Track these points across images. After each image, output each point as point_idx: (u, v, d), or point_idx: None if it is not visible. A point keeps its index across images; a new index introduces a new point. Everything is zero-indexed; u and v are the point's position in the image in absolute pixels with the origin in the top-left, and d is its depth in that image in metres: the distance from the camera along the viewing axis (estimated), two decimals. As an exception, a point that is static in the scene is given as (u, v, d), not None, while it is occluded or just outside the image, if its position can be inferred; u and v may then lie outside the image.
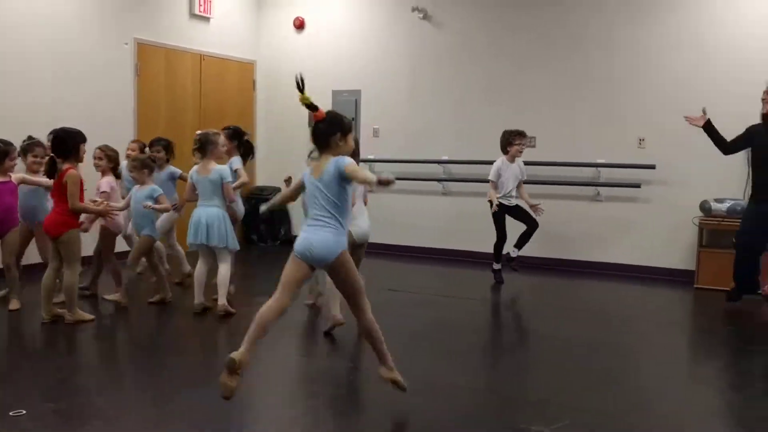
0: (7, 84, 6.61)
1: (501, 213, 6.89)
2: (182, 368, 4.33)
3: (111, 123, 7.43)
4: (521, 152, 6.92)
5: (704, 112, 6.01)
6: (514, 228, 6.99)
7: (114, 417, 3.51)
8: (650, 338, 5.30)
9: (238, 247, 5.65)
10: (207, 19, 8.78)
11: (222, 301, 5.36)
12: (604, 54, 7.64)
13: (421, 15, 8.48)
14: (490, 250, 7.12)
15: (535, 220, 6.96)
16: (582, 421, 3.57)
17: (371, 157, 8.89)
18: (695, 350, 5.35)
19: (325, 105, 9.42)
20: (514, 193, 6.95)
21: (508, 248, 7.02)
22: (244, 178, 6.00)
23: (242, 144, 6.13)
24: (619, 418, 3.64)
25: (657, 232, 7.47)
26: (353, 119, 9.08)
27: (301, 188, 3.80)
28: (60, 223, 5.08)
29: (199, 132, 5.75)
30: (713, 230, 6.98)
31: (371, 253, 8.31)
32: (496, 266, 7.08)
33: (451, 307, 6.23)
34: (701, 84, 7.18)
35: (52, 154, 5.09)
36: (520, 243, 6.97)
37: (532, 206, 6.99)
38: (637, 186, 7.49)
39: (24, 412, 3.48)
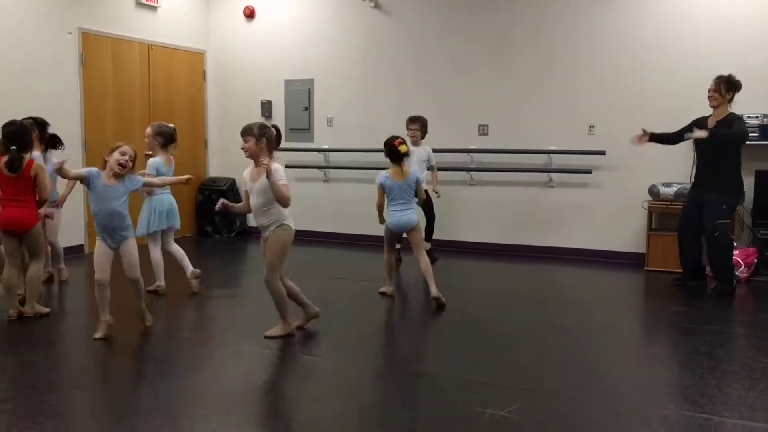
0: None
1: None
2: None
3: (56, 116, 7.18)
4: (414, 137, 7.05)
5: (644, 131, 6.30)
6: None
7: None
8: (602, 320, 5.40)
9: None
10: (154, 7, 8.59)
11: None
12: (555, 43, 7.72)
13: (372, 4, 8.45)
14: (437, 236, 7.17)
15: (433, 213, 7.24)
16: (535, 402, 3.63)
17: (326, 146, 8.86)
18: (645, 330, 5.48)
19: (278, 94, 9.45)
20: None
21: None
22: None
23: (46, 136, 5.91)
24: (572, 399, 3.71)
25: (608, 216, 7.61)
26: (306, 108, 9.02)
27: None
28: (33, 216, 5.10)
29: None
30: (662, 213, 7.14)
31: (314, 242, 8.29)
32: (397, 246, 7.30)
33: (400, 294, 6.27)
34: (647, 72, 7.32)
35: (13, 147, 4.94)
36: (427, 235, 7.17)
37: (434, 191, 7.20)
38: (588, 172, 7.61)
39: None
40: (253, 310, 5.60)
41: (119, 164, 4.60)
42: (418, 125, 7.15)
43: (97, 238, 4.68)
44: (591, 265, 7.44)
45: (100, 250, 4.63)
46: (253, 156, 4.65)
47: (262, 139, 4.67)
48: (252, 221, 9.29)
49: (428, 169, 7.18)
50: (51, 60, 7.37)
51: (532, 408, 3.56)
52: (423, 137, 7.19)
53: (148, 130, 5.98)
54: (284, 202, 4.58)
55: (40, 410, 3.50)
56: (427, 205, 7.11)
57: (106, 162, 4.67)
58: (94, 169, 4.64)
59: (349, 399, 3.81)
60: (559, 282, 6.85)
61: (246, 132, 4.73)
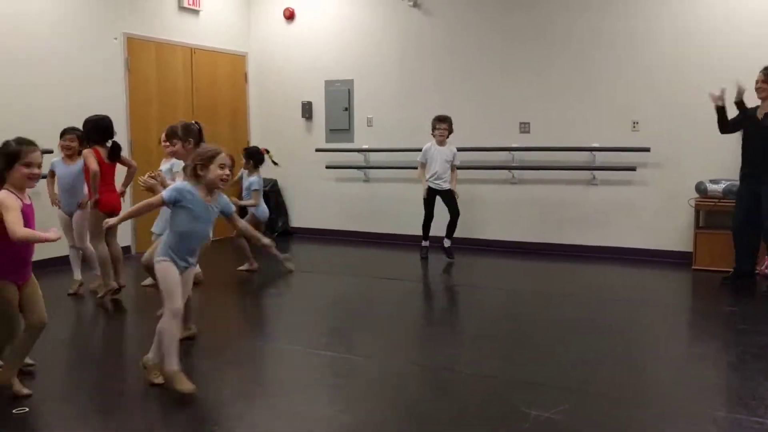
0: (-4, 82, 6.55)
1: (431, 197, 7.29)
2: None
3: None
4: (443, 137, 7.22)
5: (722, 93, 6.05)
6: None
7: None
8: (648, 319, 5.30)
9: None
10: (196, 11, 8.72)
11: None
12: (598, 36, 7.59)
13: (411, 3, 8.43)
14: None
15: (457, 210, 7.29)
16: (581, 403, 3.58)
17: (366, 146, 8.88)
18: (693, 330, 5.35)
19: (318, 95, 9.52)
20: (444, 177, 7.23)
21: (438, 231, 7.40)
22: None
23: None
24: (619, 400, 3.64)
25: (653, 214, 7.46)
26: (346, 109, 9.06)
27: None
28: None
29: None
30: (710, 211, 6.97)
31: (354, 242, 8.29)
32: (424, 243, 7.49)
33: (444, 293, 6.25)
34: (693, 65, 7.16)
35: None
36: (449, 233, 7.36)
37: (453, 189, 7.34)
38: (633, 169, 7.47)
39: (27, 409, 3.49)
40: (296, 309, 5.65)
41: (222, 180, 3.72)
42: (447, 125, 7.20)
43: (167, 260, 3.73)
44: (636, 264, 7.31)
45: (176, 277, 3.73)
46: (182, 158, 4.43)
47: (188, 140, 4.50)
48: (295, 221, 9.42)
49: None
50: (97, 65, 7.54)
51: (578, 409, 3.50)
52: (448, 137, 7.28)
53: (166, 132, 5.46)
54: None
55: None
56: (450, 202, 7.25)
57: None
58: (186, 184, 3.75)
59: (392, 397, 3.81)
60: (604, 281, 6.74)
61: (171, 135, 4.53)
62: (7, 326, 3.66)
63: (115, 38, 7.74)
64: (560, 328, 5.06)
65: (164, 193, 3.69)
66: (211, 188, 3.72)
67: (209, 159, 3.67)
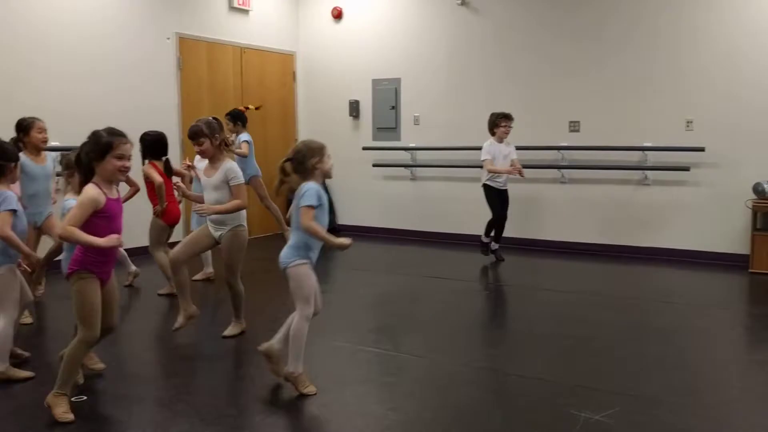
0: (49, 82, 6.74)
1: (494, 196, 7.12)
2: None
3: (154, 118, 7.55)
4: (507, 134, 7.07)
5: None
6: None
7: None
8: (702, 323, 5.16)
9: None
10: (246, 11, 8.84)
11: None
12: (653, 33, 7.43)
13: (459, 1, 8.39)
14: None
15: (505, 212, 7.16)
16: (632, 407, 3.50)
17: (412, 144, 8.87)
18: (750, 336, 5.19)
19: (365, 94, 9.54)
20: (504, 175, 7.10)
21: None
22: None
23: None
24: (671, 405, 3.56)
25: (708, 215, 7.27)
26: (393, 107, 9.06)
27: None
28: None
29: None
30: (767, 213, 6.76)
31: (401, 240, 8.27)
32: (485, 239, 7.30)
33: (493, 293, 6.20)
34: (750, 65, 6.94)
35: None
36: (497, 236, 7.23)
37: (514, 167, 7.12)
38: (686, 169, 7.29)
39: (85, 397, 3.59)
40: (345, 306, 5.67)
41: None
42: (512, 122, 7.08)
43: (307, 263, 3.75)
44: (689, 266, 7.13)
45: (315, 281, 3.80)
46: (208, 156, 4.55)
47: (215, 136, 4.50)
48: (342, 219, 9.48)
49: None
50: (150, 64, 7.71)
51: (629, 413, 3.44)
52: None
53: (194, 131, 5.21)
54: (241, 206, 4.56)
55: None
56: (505, 204, 7.15)
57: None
58: (314, 184, 3.73)
59: (441, 397, 3.79)
60: (656, 283, 6.60)
61: (198, 135, 4.45)
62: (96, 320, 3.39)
63: (168, 38, 7.90)
64: (611, 330, 4.97)
65: (313, 201, 3.64)
66: (324, 179, 3.84)
67: (321, 151, 3.78)
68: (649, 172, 7.54)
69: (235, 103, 8.75)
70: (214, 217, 4.56)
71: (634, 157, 7.61)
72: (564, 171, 7.95)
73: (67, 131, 5.96)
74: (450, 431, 3.30)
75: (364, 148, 9.18)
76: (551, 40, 7.96)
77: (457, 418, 3.45)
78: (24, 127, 5.13)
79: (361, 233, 9.07)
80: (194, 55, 8.22)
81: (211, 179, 4.54)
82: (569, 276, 6.95)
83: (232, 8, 8.64)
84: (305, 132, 9.74)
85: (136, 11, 7.56)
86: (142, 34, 7.63)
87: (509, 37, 8.20)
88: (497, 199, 7.12)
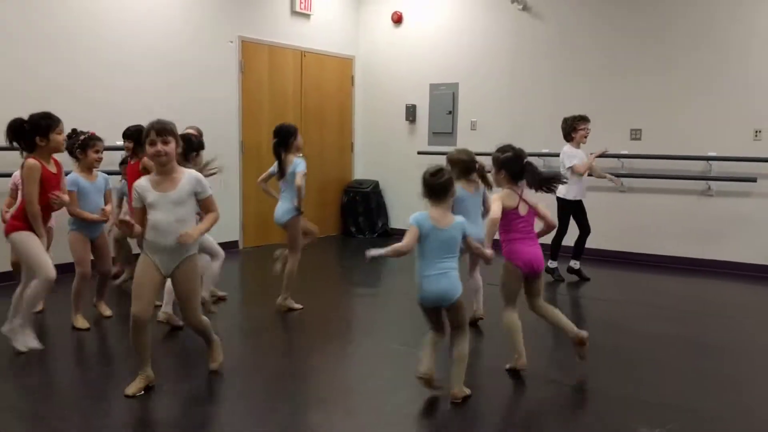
0: (114, 84, 6.93)
1: (569, 209, 6.67)
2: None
3: (217, 119, 7.73)
4: (586, 137, 6.66)
5: None
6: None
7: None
8: (764, 340, 4.98)
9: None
10: (308, 15, 8.96)
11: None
12: (716, 42, 7.24)
13: (521, 6, 8.32)
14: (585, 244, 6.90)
15: (588, 225, 6.74)
16: (691, 424, 3.42)
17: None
18: (818, 355, 4.99)
19: (422, 98, 9.54)
20: (583, 185, 6.74)
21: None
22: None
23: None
24: (732, 422, 3.45)
25: (774, 228, 7.03)
26: (450, 112, 9.04)
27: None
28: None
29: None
30: (839, 227, 6.50)
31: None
32: (553, 264, 6.77)
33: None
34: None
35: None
36: (577, 252, 6.79)
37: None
38: (753, 180, 7.06)
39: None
40: (395, 309, 5.69)
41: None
42: (589, 124, 6.74)
43: None
44: (753, 280, 6.90)
45: None
46: (168, 162, 3.59)
47: (180, 143, 3.71)
48: (395, 223, 9.48)
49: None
50: (214, 67, 7.88)
51: (689, 428, 3.35)
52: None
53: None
54: (218, 218, 3.80)
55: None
56: (584, 216, 6.80)
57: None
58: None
59: (494, 405, 3.77)
60: (717, 297, 6.40)
61: (164, 131, 3.56)
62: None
63: (231, 41, 8.07)
64: (669, 343, 4.85)
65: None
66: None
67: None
68: (713, 183, 7.33)
69: (294, 107, 8.88)
70: (168, 243, 3.57)
71: (697, 166, 7.41)
72: (624, 179, 7.79)
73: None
74: (502, 439, 3.27)
75: (420, 153, 9.19)
76: (612, 47, 7.82)
77: (509, 427, 3.42)
78: (83, 144, 4.88)
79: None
80: (256, 58, 8.38)
81: (171, 194, 3.58)
82: (626, 287, 6.80)
83: (294, 12, 8.77)
84: (361, 136, 9.81)
85: (200, 15, 7.75)
86: (206, 37, 7.81)
87: (570, 44, 8.10)
88: (570, 214, 6.70)
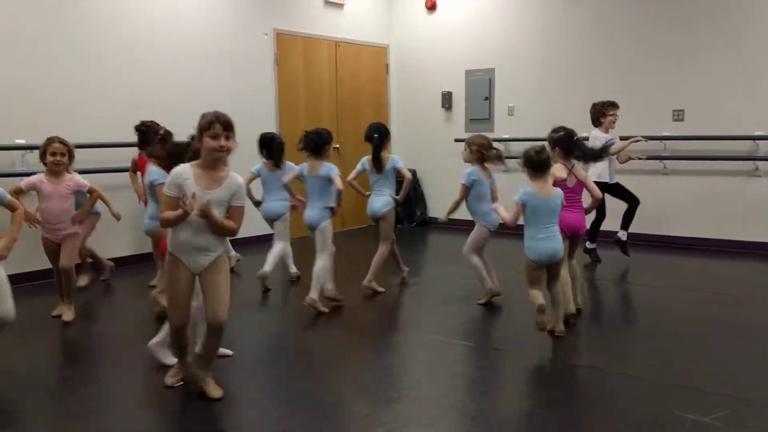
0: (149, 78, 7.00)
1: (603, 190, 6.55)
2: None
3: (254, 112, 7.77)
4: (614, 123, 6.64)
5: None
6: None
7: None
8: (820, 325, 4.84)
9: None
10: (341, 6, 8.94)
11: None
12: (761, 19, 7.00)
13: (557, -12, 8.19)
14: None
15: (635, 197, 6.73)
16: (743, 411, 3.33)
17: (506, 136, 8.74)
18: None
19: (458, 85, 9.45)
20: (614, 169, 6.74)
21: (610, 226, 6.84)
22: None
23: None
24: (787, 411, 3.36)
25: (826, 209, 6.80)
26: (486, 98, 8.96)
27: None
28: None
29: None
30: None
31: (497, 233, 8.14)
32: (590, 245, 6.91)
33: (593, 288, 6.04)
34: None
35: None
36: (626, 223, 6.80)
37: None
38: (803, 159, 6.84)
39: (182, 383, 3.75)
40: (435, 299, 5.68)
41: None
42: (618, 110, 6.70)
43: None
44: (804, 262, 6.70)
45: None
46: (223, 158, 3.47)
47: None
48: (434, 211, 9.45)
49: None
50: (249, 60, 7.93)
51: (739, 416, 3.27)
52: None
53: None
54: (231, 235, 3.52)
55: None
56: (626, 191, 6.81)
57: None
58: None
59: (534, 393, 3.74)
60: (764, 280, 6.23)
61: (230, 126, 3.44)
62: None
63: (266, 34, 8.10)
64: (718, 328, 4.73)
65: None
66: None
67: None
68: (760, 163, 7.12)
69: (329, 98, 8.89)
70: (199, 241, 3.41)
71: (743, 147, 7.21)
72: (666, 162, 7.63)
73: (168, 127, 6.21)
74: (544, 428, 3.24)
75: (457, 140, 9.10)
76: (654, 26, 7.64)
77: (550, 414, 3.38)
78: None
79: (452, 226, 8.99)
80: (291, 50, 8.40)
81: (213, 192, 3.40)
82: (670, 271, 6.67)
83: (328, 3, 8.77)
84: (397, 124, 9.77)
85: (234, 8, 7.79)
86: (240, 30, 7.85)
87: (609, 24, 7.93)
88: (610, 194, 6.72)
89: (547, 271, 4.45)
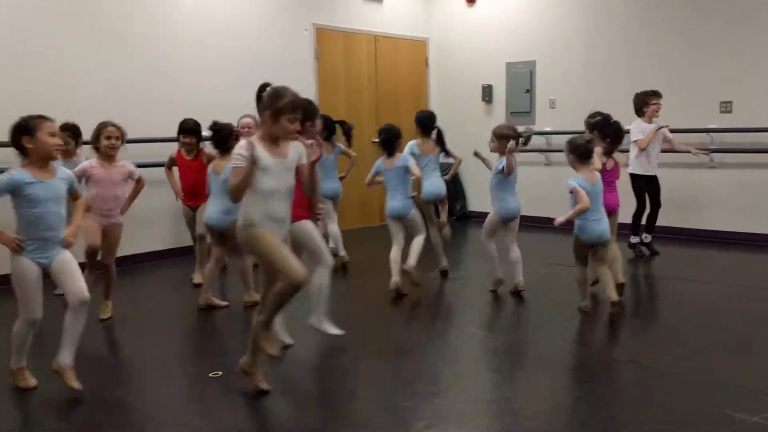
0: (188, 76, 7.08)
1: (641, 182, 6.70)
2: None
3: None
4: (657, 113, 6.60)
5: None
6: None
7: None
8: None
9: None
10: (380, 0, 8.93)
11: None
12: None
13: (599, -22, 8.05)
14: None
15: (659, 200, 6.71)
16: (796, 412, 3.24)
17: (548, 128, 8.64)
18: None
19: (498, 78, 9.35)
20: (656, 161, 6.66)
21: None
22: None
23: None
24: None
25: None
26: (527, 91, 8.86)
27: None
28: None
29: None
30: None
31: (535, 227, 8.07)
32: (634, 239, 6.85)
33: (640, 284, 5.94)
34: None
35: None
36: (649, 226, 6.76)
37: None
38: None
39: (221, 373, 3.81)
40: (476, 294, 5.64)
41: None
42: (661, 100, 6.65)
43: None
44: None
45: None
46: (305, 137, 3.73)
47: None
48: (474, 206, 9.38)
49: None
50: (289, 55, 7.98)
51: (792, 417, 3.18)
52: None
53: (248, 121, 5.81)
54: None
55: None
56: (656, 191, 6.75)
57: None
58: None
59: (577, 389, 3.70)
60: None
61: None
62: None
63: (306, 30, 8.15)
64: (763, 326, 4.62)
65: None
66: None
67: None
68: (812, 155, 6.91)
69: (369, 92, 8.90)
70: (280, 212, 3.45)
71: (794, 138, 6.99)
72: (713, 155, 7.44)
73: (207, 124, 6.29)
74: (588, 424, 3.20)
75: (497, 134, 9.04)
76: (700, 16, 7.45)
77: (595, 410, 3.35)
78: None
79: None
80: (331, 45, 8.43)
81: (286, 160, 3.48)
82: (721, 267, 6.52)
83: (367, -2, 8.79)
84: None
85: (274, 5, 7.85)
86: (280, 26, 7.91)
87: (654, 13, 7.76)
88: (645, 187, 6.70)
89: (593, 253, 4.83)
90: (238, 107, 6.03)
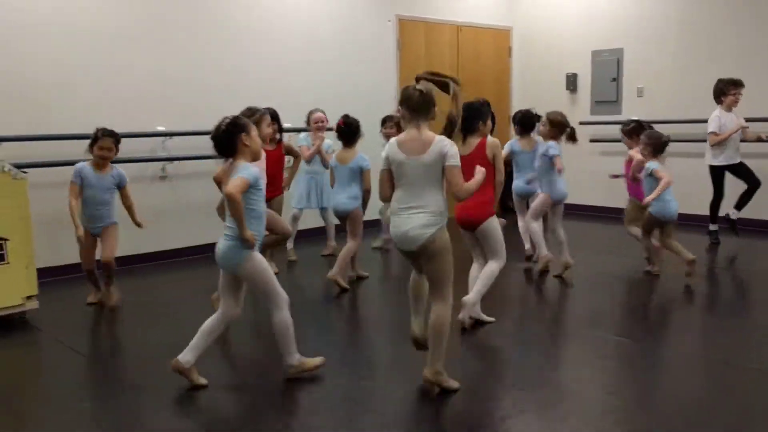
0: (271, 71, 7.22)
1: (720, 171, 6.64)
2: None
3: (376, 98, 7.91)
4: (737, 102, 6.48)
5: None
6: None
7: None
8: None
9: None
10: (463, -11, 8.91)
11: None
12: None
13: (693, -39, 7.74)
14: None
15: (757, 178, 6.54)
16: None
17: (635, 118, 8.38)
18: None
19: (583, 66, 9.12)
20: (736, 149, 6.55)
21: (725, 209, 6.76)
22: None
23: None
24: None
25: None
26: (614, 79, 8.64)
27: None
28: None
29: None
30: None
31: (617, 220, 7.87)
32: (713, 227, 6.81)
33: (722, 278, 5.73)
34: None
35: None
36: (741, 203, 6.66)
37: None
38: None
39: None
40: (557, 287, 5.58)
41: None
42: (742, 89, 6.52)
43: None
44: None
45: None
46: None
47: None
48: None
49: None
50: (371, 46, 8.09)
51: None
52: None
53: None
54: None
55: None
56: (748, 173, 6.64)
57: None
58: None
59: (663, 386, 3.63)
60: None
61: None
62: None
63: (389, 20, 8.22)
64: None
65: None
66: None
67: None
68: None
69: (450, 81, 8.87)
70: (427, 218, 3.29)
71: None
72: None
73: (291, 116, 6.47)
74: (673, 422, 3.15)
75: (581, 123, 8.85)
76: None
77: (681, 409, 3.28)
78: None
79: (575, 211, 8.81)
80: (413, 35, 8.47)
81: (422, 157, 3.31)
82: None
83: (449, -13, 8.76)
84: (520, 107, 9.55)
85: (358, -2, 7.97)
86: (365, 17, 8.01)
87: (750, 3, 7.41)
88: (721, 178, 6.70)
89: (662, 230, 5.40)
90: (322, 98, 6.18)
